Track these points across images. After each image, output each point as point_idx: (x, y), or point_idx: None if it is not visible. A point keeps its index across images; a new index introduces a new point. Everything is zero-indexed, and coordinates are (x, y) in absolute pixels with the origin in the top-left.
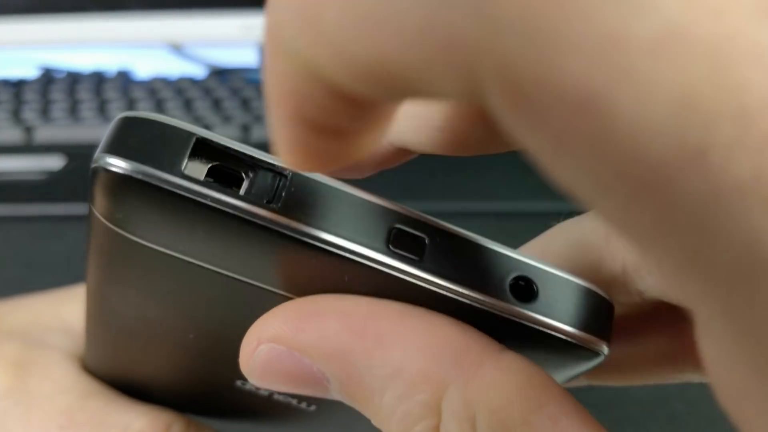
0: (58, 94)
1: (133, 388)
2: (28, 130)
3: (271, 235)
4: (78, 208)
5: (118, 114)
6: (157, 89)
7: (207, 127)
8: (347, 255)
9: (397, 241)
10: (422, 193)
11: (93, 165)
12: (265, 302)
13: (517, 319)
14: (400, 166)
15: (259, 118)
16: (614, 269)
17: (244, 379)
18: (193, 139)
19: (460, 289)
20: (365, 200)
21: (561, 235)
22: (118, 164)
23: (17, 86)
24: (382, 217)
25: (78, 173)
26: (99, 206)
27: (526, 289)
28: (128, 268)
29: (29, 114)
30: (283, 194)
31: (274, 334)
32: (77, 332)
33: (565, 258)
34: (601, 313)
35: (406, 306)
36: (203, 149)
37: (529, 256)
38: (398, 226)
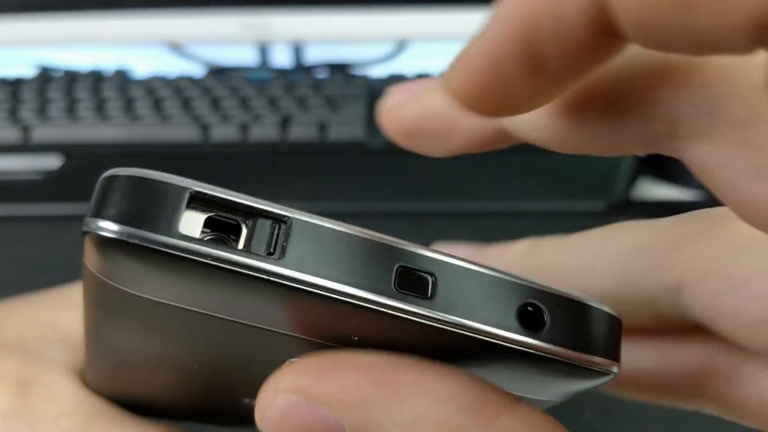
0: (55, 93)
1: (136, 403)
2: (26, 129)
3: (275, 286)
4: (76, 208)
5: (104, 173)
6: (155, 88)
7: (205, 126)
8: (354, 302)
9: (404, 281)
10: (424, 193)
11: (84, 229)
12: (271, 339)
13: (527, 350)
14: (398, 167)
15: (258, 118)
16: (669, 280)
17: (252, 398)
18: (187, 194)
19: (470, 324)
20: (368, 240)
21: (624, 233)
22: (111, 228)
23: (14, 85)
24: (386, 256)
25: (76, 173)
26: (94, 265)
27: (534, 316)
28: (127, 315)
29: (26, 113)
30: (285, 243)
31: (292, 386)
32: (75, 341)
33: (623, 256)
34: (612, 333)
35: (423, 359)
36: (198, 200)
37: (535, 281)
38: (403, 264)
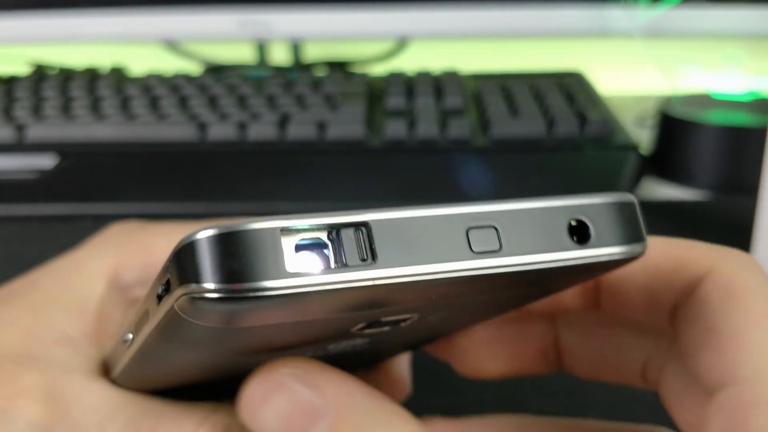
0: (50, 92)
1: (166, 389)
2: (20, 128)
3: (378, 287)
4: (71, 208)
5: (189, 236)
6: (151, 87)
7: (203, 125)
8: (443, 276)
9: (476, 241)
10: (425, 192)
11: (192, 295)
12: (346, 321)
13: (584, 262)
14: (398, 166)
15: (255, 116)
16: (685, 280)
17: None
18: (278, 234)
19: (540, 259)
20: (437, 216)
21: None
22: (227, 289)
23: (8, 83)
24: (456, 224)
25: (71, 172)
26: (197, 318)
27: (581, 229)
28: (216, 343)
29: (21, 112)
30: (372, 246)
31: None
32: (76, 339)
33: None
34: (635, 218)
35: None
36: (284, 233)
37: (574, 198)
38: (471, 226)
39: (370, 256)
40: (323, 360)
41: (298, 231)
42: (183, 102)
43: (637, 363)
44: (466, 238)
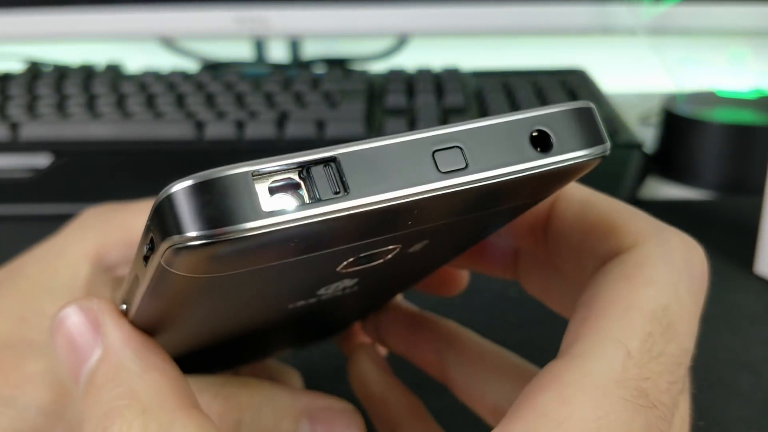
0: (44, 89)
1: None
2: (14, 126)
3: (352, 216)
4: (66, 208)
5: (164, 193)
6: (147, 84)
7: (200, 123)
8: (414, 198)
9: (442, 161)
10: None
11: (175, 245)
12: (334, 254)
13: (548, 169)
14: None
15: (253, 115)
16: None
17: (295, 302)
18: (251, 178)
19: (506, 171)
20: (401, 143)
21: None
22: (210, 234)
23: (2, 81)
24: (421, 148)
25: (66, 171)
26: (184, 269)
27: (542, 138)
28: (207, 296)
29: (15, 110)
30: (343, 179)
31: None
32: None
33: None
34: (593, 122)
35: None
36: (256, 176)
37: (532, 110)
38: (436, 148)
39: (341, 188)
40: (315, 308)
41: (270, 174)
42: (180, 100)
43: (570, 304)
44: (432, 160)
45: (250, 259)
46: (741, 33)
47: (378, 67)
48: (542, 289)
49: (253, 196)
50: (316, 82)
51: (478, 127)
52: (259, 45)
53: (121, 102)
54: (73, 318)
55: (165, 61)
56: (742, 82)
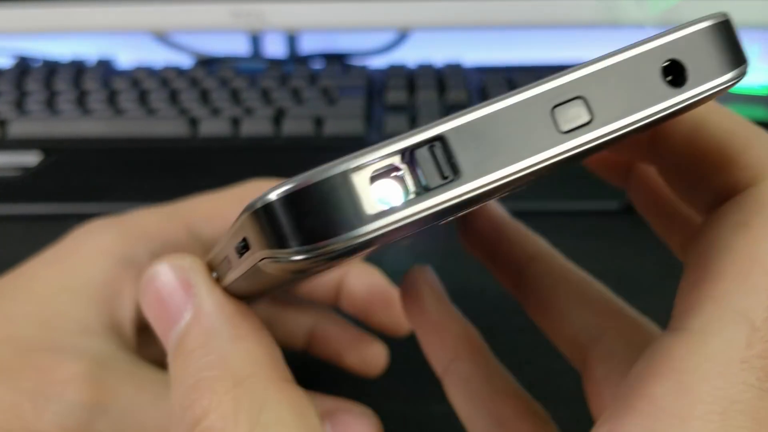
0: (34, 85)
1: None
2: (2, 123)
3: (464, 201)
4: (56, 208)
5: (256, 202)
6: (140, 80)
7: (194, 120)
8: (534, 169)
9: (563, 118)
10: None
11: (276, 258)
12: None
13: (684, 104)
14: None
15: (249, 111)
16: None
17: None
18: (350, 176)
19: (637, 117)
20: (515, 104)
21: None
22: (309, 249)
23: None
24: (538, 106)
25: (56, 170)
26: (282, 271)
27: (675, 69)
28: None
29: (3, 106)
30: (452, 160)
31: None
32: (95, 327)
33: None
34: (731, 36)
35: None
36: (356, 173)
37: (660, 37)
38: (555, 103)
39: (451, 171)
40: None
41: (369, 166)
42: (173, 96)
43: (677, 232)
44: (551, 119)
45: (352, 258)
46: (751, 27)
47: (378, 63)
48: (649, 210)
49: (355, 199)
50: (313, 77)
51: (600, 70)
52: (255, 40)
53: (112, 98)
54: (164, 276)
55: (158, 56)
56: (753, 77)
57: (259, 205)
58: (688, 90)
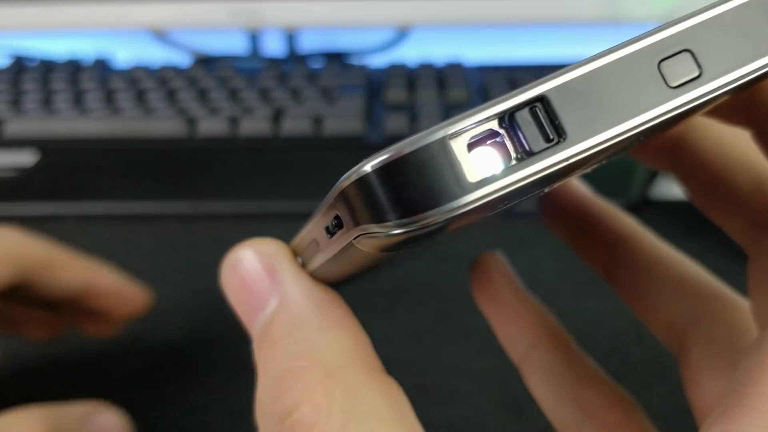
0: (30, 84)
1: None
2: None
3: (574, 165)
4: (52, 208)
5: (349, 176)
6: (138, 79)
7: (192, 120)
8: (644, 128)
9: (671, 73)
10: None
11: (373, 233)
12: None
13: None
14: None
15: (248, 111)
16: None
17: None
18: (449, 142)
19: (750, 69)
20: (619, 60)
21: None
22: (408, 222)
23: None
24: (643, 61)
25: (52, 170)
26: (378, 248)
27: None
28: (393, 255)
29: None
30: (556, 121)
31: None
32: None
33: None
34: None
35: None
36: (453, 137)
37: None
38: (662, 57)
39: (555, 134)
40: None
41: (467, 131)
42: (171, 95)
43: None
44: (659, 74)
45: (449, 229)
46: None
47: (377, 61)
48: (703, 193)
49: (455, 167)
50: (313, 76)
51: (707, 21)
52: (254, 38)
53: (110, 97)
54: (248, 262)
55: (156, 55)
56: None
57: (354, 177)
58: None
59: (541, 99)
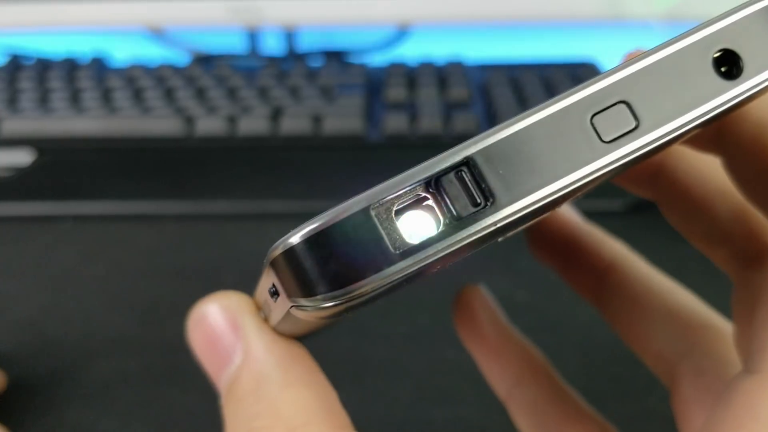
0: (27, 83)
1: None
2: None
3: (501, 228)
4: (49, 208)
5: (276, 248)
6: (135, 77)
7: (190, 119)
8: (577, 185)
9: (605, 127)
10: None
11: (304, 306)
12: None
13: (742, 97)
14: (399, 162)
15: (246, 110)
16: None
17: None
18: (372, 213)
19: (691, 117)
20: (549, 116)
21: None
22: (337, 294)
23: None
24: (575, 116)
25: (49, 169)
26: (314, 317)
27: (728, 59)
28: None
29: None
30: (483, 185)
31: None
32: None
33: None
34: None
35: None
36: (378, 207)
37: (707, 26)
38: (593, 113)
39: (482, 198)
40: None
41: (392, 201)
42: (169, 94)
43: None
44: (592, 129)
45: (384, 294)
46: None
47: (377, 60)
48: (685, 221)
49: (379, 238)
50: (312, 75)
51: (644, 68)
52: (253, 37)
53: (107, 96)
54: (212, 317)
55: (153, 53)
56: None
57: (281, 249)
58: (746, 81)
59: (467, 163)
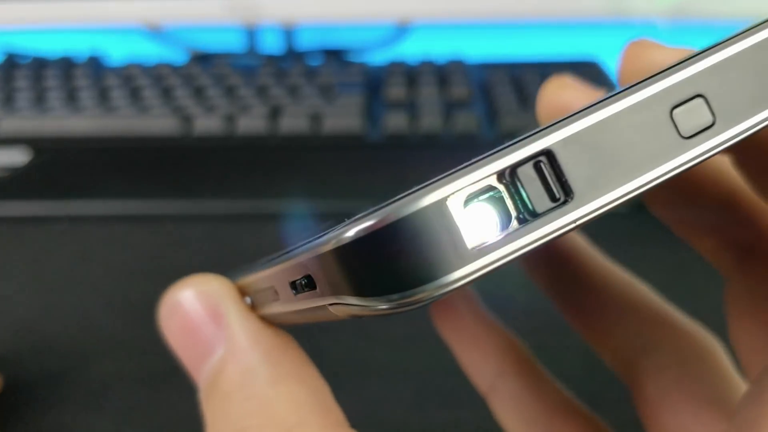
0: (22, 82)
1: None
2: None
3: (581, 226)
4: (45, 208)
5: (327, 243)
6: (132, 76)
7: (188, 118)
8: (656, 183)
9: (683, 121)
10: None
11: (352, 307)
12: None
13: None
14: (398, 162)
15: (245, 108)
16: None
17: None
18: (446, 205)
19: (761, 117)
20: (631, 107)
21: None
22: (395, 299)
23: None
24: (655, 108)
25: (45, 169)
26: (354, 316)
27: None
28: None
29: None
30: (562, 178)
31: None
32: None
33: None
34: None
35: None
36: (451, 203)
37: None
38: (674, 104)
39: (562, 192)
40: None
41: (463, 189)
42: (166, 93)
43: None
44: (671, 123)
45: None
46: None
47: (377, 58)
48: (670, 211)
49: (454, 233)
50: (311, 73)
51: (721, 62)
52: (251, 34)
53: (103, 95)
54: (189, 305)
55: (150, 51)
56: None
57: (334, 244)
58: None
59: (547, 153)
